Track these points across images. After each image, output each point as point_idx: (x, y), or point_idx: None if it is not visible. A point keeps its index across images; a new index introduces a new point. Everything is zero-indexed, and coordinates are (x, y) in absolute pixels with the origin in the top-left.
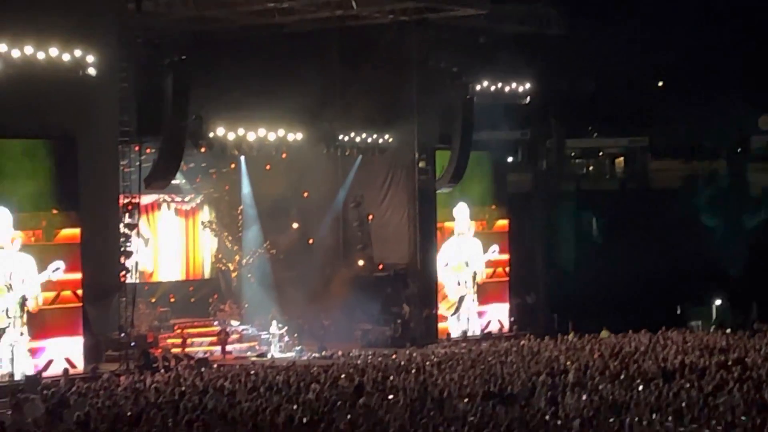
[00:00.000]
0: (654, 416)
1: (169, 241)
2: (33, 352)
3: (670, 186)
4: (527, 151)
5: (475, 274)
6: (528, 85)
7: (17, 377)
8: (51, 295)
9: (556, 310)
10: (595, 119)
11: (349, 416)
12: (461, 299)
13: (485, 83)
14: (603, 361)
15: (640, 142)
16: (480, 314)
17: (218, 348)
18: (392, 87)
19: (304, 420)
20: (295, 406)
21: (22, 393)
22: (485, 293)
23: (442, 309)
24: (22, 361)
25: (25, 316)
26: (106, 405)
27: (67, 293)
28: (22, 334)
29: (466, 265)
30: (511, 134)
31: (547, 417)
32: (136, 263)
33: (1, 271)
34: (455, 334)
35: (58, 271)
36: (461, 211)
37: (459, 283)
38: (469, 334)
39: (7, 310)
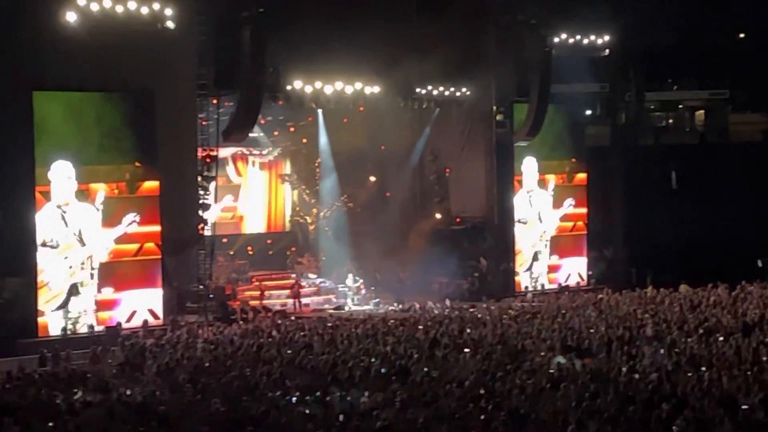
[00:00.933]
0: (733, 370)
1: (250, 194)
2: (112, 303)
3: (750, 140)
4: (606, 105)
5: (547, 229)
6: (607, 38)
7: (96, 329)
8: (134, 247)
9: (635, 263)
10: (675, 72)
11: (425, 369)
12: (535, 255)
13: (563, 36)
14: (681, 314)
15: (720, 95)
16: (554, 268)
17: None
18: (470, 39)
19: (381, 372)
20: (372, 359)
21: (102, 344)
22: (563, 247)
23: (517, 263)
24: (90, 314)
25: (97, 269)
26: (185, 356)
27: (150, 245)
28: (95, 288)
29: (539, 220)
30: (590, 87)
31: (624, 371)
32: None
33: (70, 226)
34: (529, 289)
35: (133, 224)
36: (530, 165)
37: (531, 238)
38: (541, 288)
39: (81, 264)
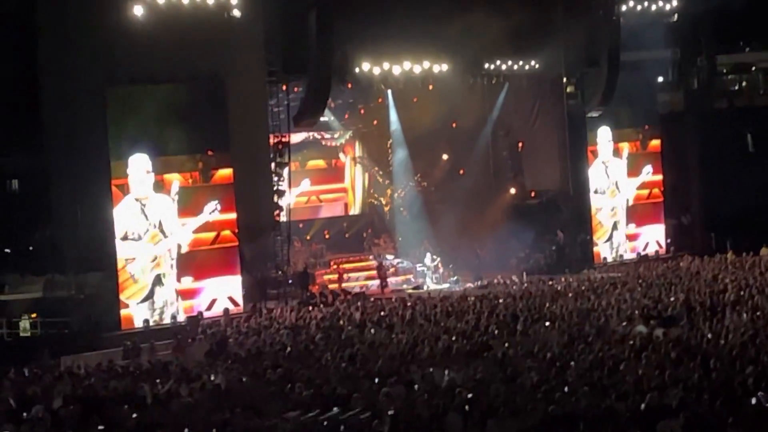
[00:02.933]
0: None
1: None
2: (192, 293)
3: None
4: (678, 70)
5: (626, 198)
6: (675, 2)
7: (179, 319)
8: (211, 235)
9: (713, 229)
10: (747, 33)
11: (506, 344)
12: (614, 225)
13: (631, 3)
14: (763, 278)
15: None
16: (632, 237)
17: (374, 282)
18: (537, 11)
19: (462, 349)
20: (453, 337)
21: (184, 334)
22: (640, 215)
23: (595, 236)
24: (176, 303)
25: (175, 259)
26: (267, 342)
27: (227, 233)
28: (175, 279)
29: (617, 189)
30: (660, 53)
31: (708, 337)
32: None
33: (150, 218)
34: (609, 259)
35: (215, 212)
36: (604, 135)
37: (611, 209)
38: (624, 257)
39: (164, 256)
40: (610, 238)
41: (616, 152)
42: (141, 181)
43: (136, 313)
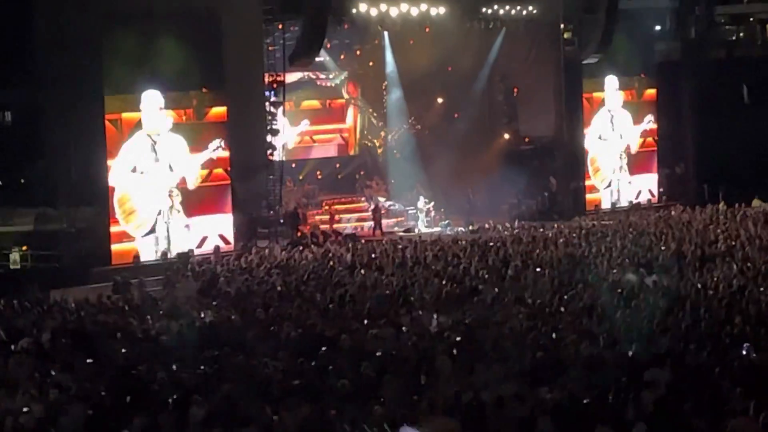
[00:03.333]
0: None
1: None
2: (187, 228)
3: None
4: (675, 19)
5: (628, 146)
6: None
7: (172, 255)
8: (204, 172)
9: (706, 180)
10: None
11: (496, 289)
12: (615, 171)
13: None
14: (755, 230)
15: None
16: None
17: (365, 224)
18: None
19: (451, 293)
20: (443, 281)
21: (174, 271)
22: (633, 164)
23: (595, 181)
24: (179, 237)
25: (181, 195)
26: (257, 281)
27: (219, 171)
28: (178, 212)
29: (620, 137)
30: (659, 2)
31: (698, 287)
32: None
33: (160, 154)
34: (607, 206)
35: (218, 149)
36: (611, 83)
37: (612, 156)
38: (621, 205)
39: (170, 191)
40: (610, 185)
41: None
42: (153, 117)
43: (141, 246)
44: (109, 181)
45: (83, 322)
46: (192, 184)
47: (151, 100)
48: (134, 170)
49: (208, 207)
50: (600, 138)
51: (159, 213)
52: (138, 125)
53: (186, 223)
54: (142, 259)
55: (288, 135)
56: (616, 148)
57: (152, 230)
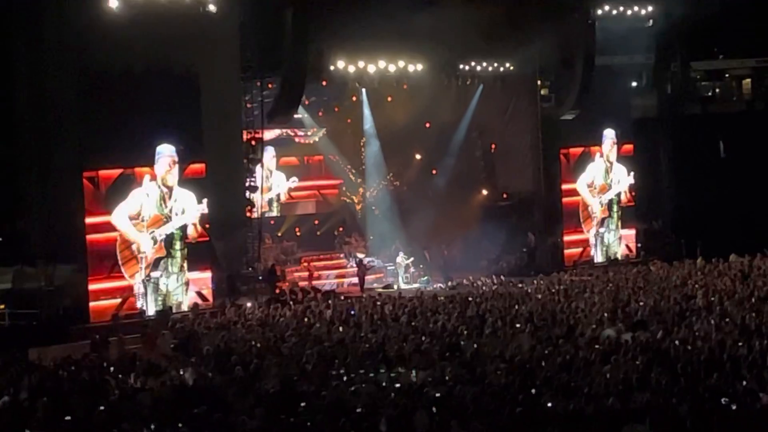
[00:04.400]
0: None
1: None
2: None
3: None
4: (652, 75)
5: (619, 196)
6: (650, 8)
7: (157, 310)
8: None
9: (684, 234)
10: (721, 40)
11: (475, 345)
12: (603, 222)
13: (607, 7)
14: (732, 285)
15: (767, 62)
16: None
17: (345, 280)
18: (512, 13)
19: (431, 349)
20: (422, 336)
21: (153, 328)
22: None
23: (586, 230)
24: (179, 294)
25: (184, 249)
26: (235, 338)
27: (197, 227)
28: (182, 268)
29: (609, 187)
30: (635, 58)
31: (677, 342)
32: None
33: (168, 206)
34: (598, 257)
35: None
36: (609, 135)
37: (601, 205)
38: (610, 257)
39: (165, 242)
40: (601, 237)
41: (589, 155)
42: (168, 170)
43: (140, 299)
44: (112, 223)
45: (61, 380)
46: (191, 238)
47: (165, 153)
48: (137, 217)
49: (188, 264)
50: (592, 186)
51: (154, 264)
52: (116, 182)
53: (186, 277)
54: (128, 311)
55: (281, 188)
56: (607, 197)
57: (150, 280)
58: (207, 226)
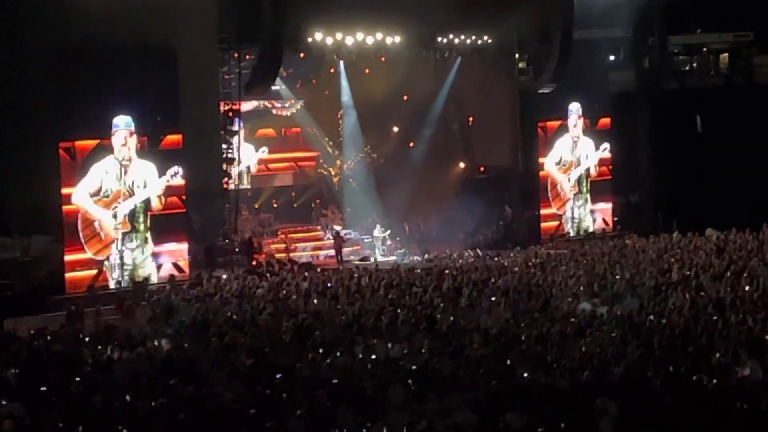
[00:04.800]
0: (759, 313)
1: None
2: (154, 256)
3: None
4: (629, 49)
5: (588, 171)
6: None
7: (134, 281)
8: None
9: (660, 209)
10: (699, 15)
11: (451, 318)
12: (575, 197)
13: None
14: (708, 259)
15: (745, 37)
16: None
17: (321, 253)
18: None
19: (407, 322)
20: (397, 309)
21: (129, 299)
22: (590, 192)
23: (555, 208)
24: (146, 266)
25: (148, 221)
26: (211, 310)
27: (174, 199)
28: (146, 240)
29: (578, 163)
30: (613, 32)
31: (651, 317)
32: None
33: (127, 180)
34: (569, 232)
35: (177, 176)
36: (575, 110)
37: (570, 181)
38: (581, 233)
39: (129, 216)
40: (571, 212)
41: (564, 128)
42: (124, 143)
43: (109, 272)
44: (73, 203)
45: (36, 351)
46: (155, 210)
47: (123, 124)
48: (98, 193)
49: (163, 235)
50: (560, 163)
51: (120, 238)
52: (93, 152)
53: (152, 249)
54: (104, 282)
55: (250, 160)
56: (576, 174)
57: (117, 256)
58: (183, 197)
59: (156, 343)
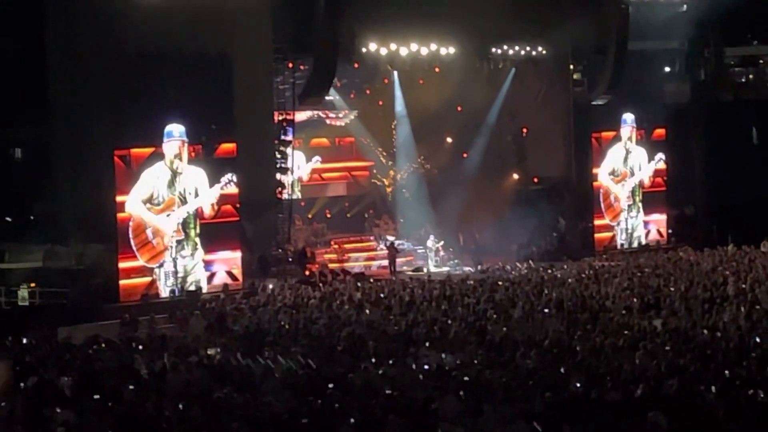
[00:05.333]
0: None
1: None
2: (205, 264)
3: None
4: (685, 61)
5: (641, 182)
6: None
7: (183, 289)
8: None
9: (715, 221)
10: (755, 26)
11: (504, 328)
12: (629, 208)
13: None
14: (764, 272)
15: None
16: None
17: (374, 263)
18: None
19: (459, 333)
20: (450, 320)
21: (183, 308)
22: (643, 204)
23: (608, 218)
24: (198, 274)
25: (198, 229)
26: (265, 319)
27: (228, 207)
28: (197, 248)
29: (632, 173)
30: (668, 44)
31: (706, 329)
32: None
33: (178, 187)
34: (622, 242)
35: (230, 183)
36: (629, 120)
37: (623, 192)
38: (634, 244)
39: (181, 224)
40: (625, 223)
41: (621, 140)
42: (177, 152)
43: (160, 278)
44: (126, 210)
45: (91, 359)
46: (208, 217)
47: (177, 133)
48: (150, 200)
49: (217, 243)
50: (613, 173)
51: (174, 246)
52: (147, 160)
53: (203, 257)
54: (156, 290)
55: (302, 170)
56: (629, 184)
57: (170, 263)
58: (237, 205)
59: (209, 352)
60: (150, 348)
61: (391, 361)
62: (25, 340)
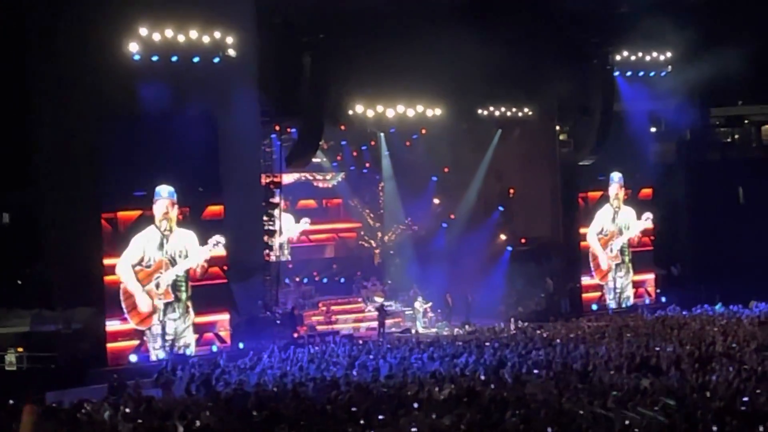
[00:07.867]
0: None
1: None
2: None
3: None
4: (671, 121)
5: (629, 242)
6: (669, 54)
7: (172, 351)
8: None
9: (703, 281)
10: (740, 87)
11: (493, 389)
12: (617, 267)
13: (625, 53)
14: (752, 331)
15: None
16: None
17: (362, 324)
18: (531, 59)
19: (449, 394)
20: (440, 381)
21: (169, 371)
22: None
23: (597, 278)
24: (188, 336)
25: (189, 291)
26: (252, 382)
27: (215, 269)
28: (188, 310)
29: (620, 233)
30: (654, 104)
31: (695, 389)
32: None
33: (168, 250)
34: (611, 303)
35: (219, 245)
36: (616, 179)
37: (612, 251)
38: (623, 304)
39: (171, 286)
40: (613, 283)
41: (605, 200)
42: (166, 212)
43: (151, 343)
44: (116, 273)
45: (80, 424)
46: (198, 276)
47: (165, 193)
48: (141, 263)
49: (204, 305)
50: (602, 233)
51: (162, 308)
52: (135, 223)
53: (193, 320)
54: (142, 352)
55: (291, 231)
56: (618, 243)
57: (159, 326)
58: (225, 267)
59: (196, 416)
60: (136, 412)
61: (380, 423)
62: (11, 405)
